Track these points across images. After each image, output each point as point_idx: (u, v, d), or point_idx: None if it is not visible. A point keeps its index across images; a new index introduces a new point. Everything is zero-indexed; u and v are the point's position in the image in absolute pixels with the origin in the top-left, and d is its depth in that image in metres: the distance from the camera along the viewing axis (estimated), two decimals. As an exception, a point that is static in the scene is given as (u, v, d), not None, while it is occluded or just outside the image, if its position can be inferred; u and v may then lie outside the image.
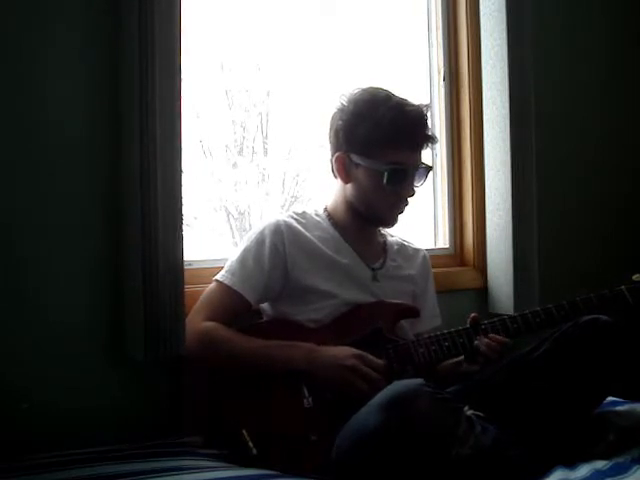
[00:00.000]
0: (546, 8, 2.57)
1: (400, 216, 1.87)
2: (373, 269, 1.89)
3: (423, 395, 1.42)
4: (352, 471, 1.41)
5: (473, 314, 1.79)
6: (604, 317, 1.69)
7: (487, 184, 2.40)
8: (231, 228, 2.34)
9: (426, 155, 1.86)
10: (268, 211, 2.36)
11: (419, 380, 1.47)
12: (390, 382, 1.51)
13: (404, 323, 1.86)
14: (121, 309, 1.74)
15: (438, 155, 2.50)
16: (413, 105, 1.82)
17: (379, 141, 1.77)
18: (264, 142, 2.39)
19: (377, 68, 2.40)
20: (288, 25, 2.32)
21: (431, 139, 1.84)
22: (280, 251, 1.80)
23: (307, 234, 1.84)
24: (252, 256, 1.80)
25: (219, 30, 2.21)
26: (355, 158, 1.81)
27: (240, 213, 2.35)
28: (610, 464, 1.52)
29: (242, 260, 1.80)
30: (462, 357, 1.78)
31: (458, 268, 2.48)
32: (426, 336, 1.80)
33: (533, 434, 1.57)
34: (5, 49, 1.67)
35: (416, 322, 1.90)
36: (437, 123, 2.49)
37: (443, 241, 2.51)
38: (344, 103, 1.84)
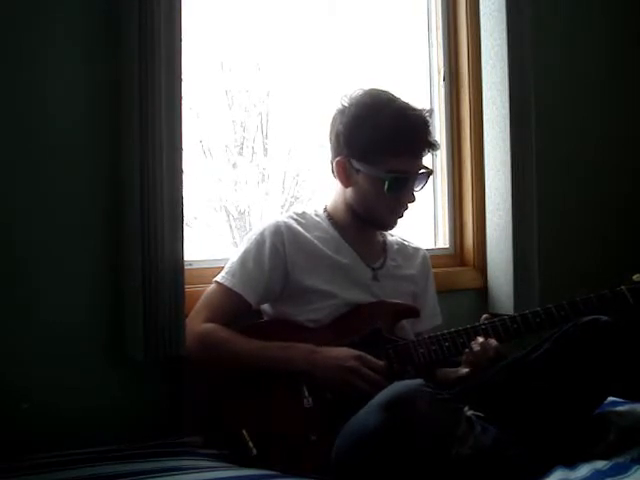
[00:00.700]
0: (546, 8, 2.57)
1: (400, 220, 1.87)
2: (373, 269, 1.89)
3: (423, 395, 1.42)
4: (352, 471, 1.41)
5: (485, 315, 1.80)
6: (604, 318, 1.69)
7: (487, 184, 2.40)
8: (231, 228, 2.34)
9: (426, 156, 1.85)
10: (268, 211, 2.36)
11: (419, 380, 1.47)
12: (390, 382, 1.51)
13: (405, 323, 1.86)
14: (121, 309, 1.74)
15: (438, 155, 2.49)
16: (415, 110, 1.80)
17: (379, 148, 1.76)
18: (264, 142, 2.38)
19: (377, 68, 2.40)
20: (288, 25, 2.32)
21: (432, 145, 1.82)
22: (280, 252, 1.80)
23: (307, 235, 1.84)
24: (252, 257, 1.80)
25: (219, 30, 2.21)
26: (355, 163, 1.80)
27: (240, 213, 2.35)
28: (610, 464, 1.51)
29: (242, 261, 1.80)
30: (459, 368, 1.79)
31: (458, 268, 2.48)
32: (426, 336, 1.80)
33: (533, 434, 1.57)
34: (5, 49, 1.67)
35: (416, 321, 1.90)
36: (437, 123, 2.49)
37: (443, 241, 2.51)
38: (345, 105, 1.83)
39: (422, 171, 1.82)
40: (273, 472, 1.50)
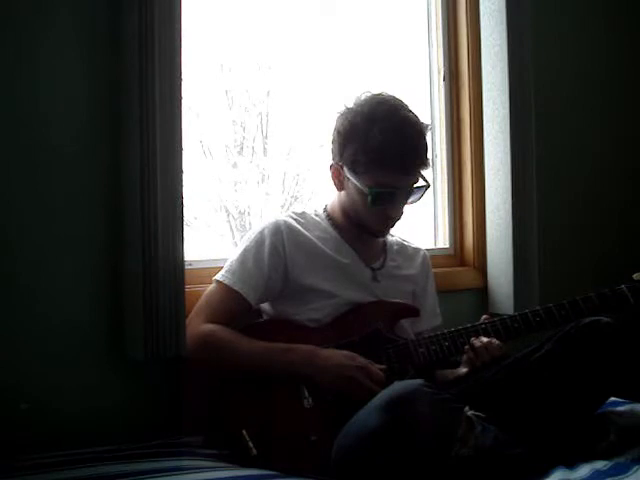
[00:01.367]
0: (546, 8, 2.57)
1: (391, 229, 1.87)
2: (373, 269, 1.89)
3: (423, 396, 1.42)
4: (352, 471, 1.41)
5: (485, 315, 1.80)
6: (605, 319, 1.69)
7: (487, 184, 2.40)
8: (231, 228, 2.34)
9: (424, 171, 1.81)
10: (268, 211, 2.36)
11: (419, 380, 1.47)
12: (390, 382, 1.51)
13: (404, 323, 1.86)
14: (121, 309, 1.74)
15: (438, 155, 2.50)
16: (411, 125, 1.76)
17: (365, 161, 1.74)
18: (264, 142, 2.38)
19: (377, 68, 2.40)
20: (288, 25, 2.32)
21: (422, 165, 1.78)
22: (280, 251, 1.80)
23: (307, 234, 1.84)
24: (252, 256, 1.79)
25: (219, 30, 2.21)
26: (345, 171, 1.80)
27: (240, 213, 2.35)
28: (610, 464, 1.52)
29: (242, 260, 1.80)
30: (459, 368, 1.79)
31: (458, 268, 2.48)
32: (426, 336, 1.80)
33: (533, 434, 1.57)
34: (5, 50, 1.66)
35: (416, 321, 1.90)
36: (437, 123, 2.49)
37: (443, 241, 2.51)
38: (347, 110, 1.81)
39: (417, 185, 1.79)
40: (273, 472, 1.50)
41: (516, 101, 2.33)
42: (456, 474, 1.39)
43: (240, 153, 2.35)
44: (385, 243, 1.96)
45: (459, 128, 2.50)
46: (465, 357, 1.76)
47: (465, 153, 2.49)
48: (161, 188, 1.69)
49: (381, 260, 1.92)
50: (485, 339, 1.74)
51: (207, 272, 1.90)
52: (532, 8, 2.40)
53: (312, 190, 2.44)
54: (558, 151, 2.61)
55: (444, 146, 2.49)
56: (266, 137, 2.39)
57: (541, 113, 2.44)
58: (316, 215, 1.91)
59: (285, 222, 1.83)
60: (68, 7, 1.73)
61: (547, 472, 1.48)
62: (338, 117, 1.84)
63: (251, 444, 1.60)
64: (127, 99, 1.71)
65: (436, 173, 2.49)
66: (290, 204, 2.43)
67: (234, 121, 2.34)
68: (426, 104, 2.49)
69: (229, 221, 2.34)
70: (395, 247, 1.98)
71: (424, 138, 1.79)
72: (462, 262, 2.51)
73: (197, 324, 1.75)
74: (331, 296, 1.80)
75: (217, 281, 1.80)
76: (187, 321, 1.74)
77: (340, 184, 1.84)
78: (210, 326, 1.74)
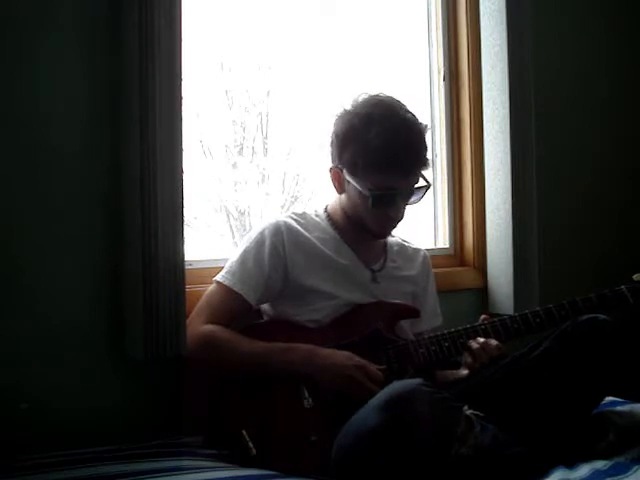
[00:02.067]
0: (546, 8, 2.57)
1: (392, 230, 1.86)
2: (373, 271, 1.89)
3: (422, 395, 1.42)
4: (352, 471, 1.41)
5: (484, 315, 1.80)
6: (602, 316, 1.69)
7: (487, 184, 2.40)
8: (231, 228, 2.34)
9: (424, 171, 1.81)
10: (268, 211, 2.36)
11: (418, 380, 1.47)
12: (390, 383, 1.51)
13: (404, 323, 1.86)
14: (121, 309, 1.74)
15: (438, 155, 2.50)
16: (409, 127, 1.75)
17: (365, 164, 1.74)
18: (264, 142, 2.38)
19: (377, 68, 2.40)
20: (288, 25, 2.32)
21: (422, 166, 1.78)
22: (280, 252, 1.80)
23: (307, 235, 1.84)
24: (252, 257, 1.79)
25: (219, 30, 2.21)
26: (345, 174, 1.80)
27: (240, 213, 2.35)
28: (610, 464, 1.52)
29: (242, 261, 1.80)
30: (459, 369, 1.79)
31: (458, 268, 2.48)
32: (426, 336, 1.80)
33: (533, 434, 1.57)
34: (5, 50, 1.67)
35: (417, 322, 1.90)
36: (437, 123, 2.49)
37: (443, 241, 2.51)
38: (345, 112, 1.81)
39: (417, 186, 1.79)
40: (273, 472, 1.50)
41: (516, 101, 2.33)
42: (455, 473, 1.39)
43: (240, 153, 2.35)
44: (385, 244, 1.96)
45: (459, 128, 2.50)
46: (464, 358, 1.76)
47: (465, 153, 2.49)
48: (161, 188, 1.69)
49: (381, 261, 1.92)
50: (482, 339, 1.74)
51: (207, 272, 1.90)
52: (532, 8, 2.40)
53: (312, 190, 2.44)
54: (558, 151, 2.61)
55: (444, 146, 2.49)
56: (266, 137, 2.39)
57: (541, 113, 2.44)
58: (316, 216, 1.91)
59: (285, 223, 1.83)
60: (68, 7, 1.73)
61: (547, 472, 1.48)
62: (336, 120, 1.83)
63: (251, 444, 1.60)
64: (127, 99, 1.71)
65: (436, 173, 2.49)
66: (290, 204, 2.43)
67: (234, 121, 2.34)
68: (426, 104, 2.50)
69: (229, 221, 2.34)
70: (395, 248, 1.98)
71: (423, 138, 1.78)
72: (462, 262, 2.51)
73: (197, 324, 1.75)
74: (331, 297, 1.80)
75: (217, 282, 1.80)
76: (187, 321, 1.74)
77: (340, 187, 1.84)
78: (210, 326, 1.74)
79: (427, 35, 2.52)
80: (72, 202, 1.74)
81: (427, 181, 1.81)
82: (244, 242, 1.84)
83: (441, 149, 2.50)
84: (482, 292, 2.43)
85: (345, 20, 2.41)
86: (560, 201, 2.61)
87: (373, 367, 1.67)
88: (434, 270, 2.06)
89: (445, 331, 1.78)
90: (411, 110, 1.81)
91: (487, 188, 2.40)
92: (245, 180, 2.33)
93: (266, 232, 1.81)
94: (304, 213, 1.90)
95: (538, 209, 2.40)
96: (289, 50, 2.33)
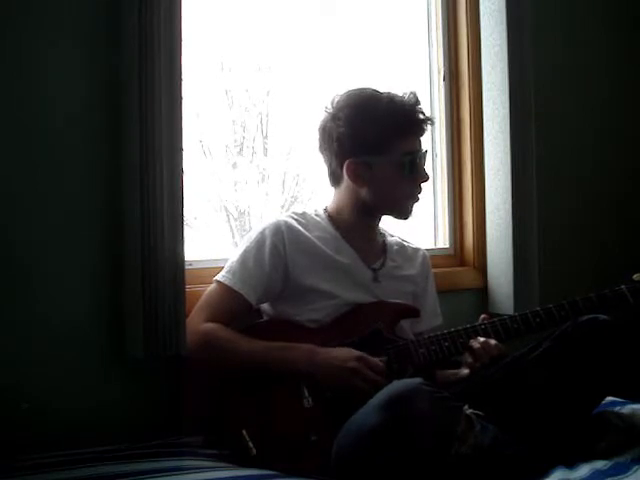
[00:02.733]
0: (546, 8, 2.57)
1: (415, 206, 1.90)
2: (373, 269, 1.89)
3: (422, 394, 1.42)
4: (352, 471, 1.41)
5: (483, 315, 1.80)
6: (603, 316, 1.69)
7: (487, 184, 2.40)
8: (231, 228, 2.34)
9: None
10: (268, 211, 2.36)
11: (418, 379, 1.47)
12: (390, 382, 1.51)
13: (404, 323, 1.86)
14: (121, 309, 1.74)
15: (438, 155, 2.50)
16: (403, 95, 1.84)
17: (388, 136, 1.79)
18: (264, 142, 2.38)
19: (377, 68, 2.40)
20: (288, 25, 2.32)
21: (430, 120, 1.88)
22: (280, 251, 1.80)
23: (307, 234, 1.84)
24: (252, 256, 1.79)
25: (219, 30, 2.21)
26: (369, 159, 1.81)
27: (240, 213, 2.35)
28: (610, 464, 1.52)
29: (242, 260, 1.80)
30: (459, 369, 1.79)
31: (458, 268, 2.48)
32: (426, 336, 1.80)
33: (533, 433, 1.57)
34: (5, 49, 1.67)
35: (417, 322, 1.91)
36: (437, 123, 2.49)
37: (443, 241, 2.51)
38: (335, 111, 1.83)
39: (424, 149, 1.87)
40: (273, 472, 1.50)
41: (516, 101, 2.33)
42: (455, 473, 1.39)
43: (240, 153, 2.35)
44: (385, 243, 1.96)
45: (459, 128, 2.50)
46: (465, 358, 1.76)
47: (465, 153, 2.49)
48: (161, 188, 1.69)
49: (381, 260, 1.92)
50: (482, 339, 1.74)
51: (207, 272, 1.90)
52: (532, 8, 2.40)
53: (312, 190, 2.44)
54: (558, 151, 2.61)
55: (444, 146, 2.49)
56: (266, 137, 2.39)
57: (541, 113, 2.44)
58: (316, 215, 1.91)
59: (285, 222, 1.83)
60: (68, 7, 1.73)
61: (547, 472, 1.48)
62: (329, 121, 1.84)
63: (251, 444, 1.61)
64: (127, 99, 1.71)
65: (436, 173, 2.49)
66: (290, 204, 2.43)
67: (234, 121, 2.34)
68: (426, 104, 2.49)
69: (229, 221, 2.34)
70: (395, 247, 1.98)
71: (418, 99, 1.86)
72: (462, 262, 2.51)
73: (197, 323, 1.75)
74: (331, 296, 1.80)
75: (217, 281, 1.80)
76: (187, 320, 1.74)
77: (360, 179, 1.84)
78: (210, 325, 1.74)
79: (427, 35, 2.52)
80: (72, 202, 1.74)
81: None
82: (244, 242, 1.84)
83: (441, 149, 2.50)
84: (482, 292, 2.43)
85: (345, 20, 2.41)
86: (560, 201, 2.61)
87: (372, 358, 1.67)
88: (434, 270, 2.07)
89: (445, 331, 1.78)
90: None
91: (487, 188, 2.40)
92: (245, 180, 2.33)
93: (266, 232, 1.81)
94: (304, 213, 1.90)
95: (538, 209, 2.40)
96: (289, 50, 2.33)
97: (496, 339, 1.76)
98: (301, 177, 2.45)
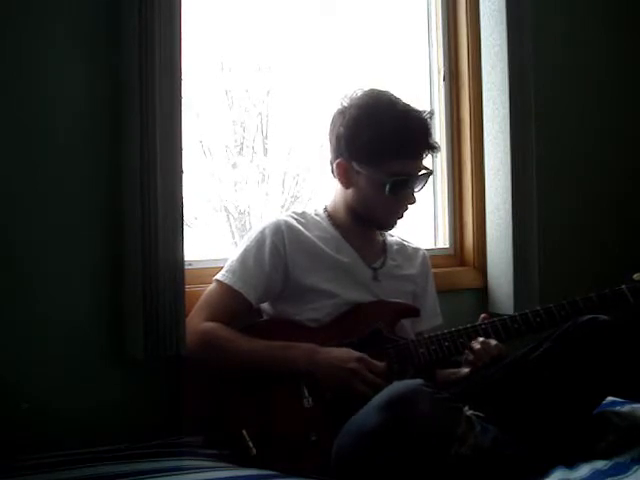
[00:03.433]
0: (546, 8, 2.57)
1: (399, 221, 1.88)
2: (374, 269, 1.89)
3: (422, 395, 1.42)
4: (352, 471, 1.41)
5: (483, 315, 1.80)
6: (603, 316, 1.69)
7: (487, 184, 2.40)
8: (231, 228, 2.34)
9: (426, 158, 1.85)
10: (268, 211, 2.36)
11: (418, 380, 1.47)
12: (390, 382, 1.51)
13: (405, 323, 1.86)
14: (121, 309, 1.74)
15: (438, 155, 2.49)
16: (416, 112, 1.80)
17: (380, 151, 1.76)
18: (264, 142, 2.38)
19: (377, 68, 2.40)
20: (288, 25, 2.32)
21: (433, 148, 1.82)
22: (280, 251, 1.80)
23: (307, 234, 1.84)
24: (253, 256, 1.80)
25: (219, 30, 2.21)
26: (356, 166, 1.80)
27: (240, 213, 2.35)
28: (610, 464, 1.51)
29: (243, 260, 1.80)
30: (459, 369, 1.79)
31: (458, 268, 2.48)
32: (426, 336, 1.80)
33: (533, 434, 1.57)
34: (5, 49, 1.67)
35: (417, 321, 1.91)
36: (437, 123, 2.49)
37: (443, 241, 2.51)
38: (345, 106, 1.83)
39: (422, 172, 1.82)
40: (273, 472, 1.50)
41: (516, 101, 2.33)
42: (455, 473, 1.39)
43: (240, 153, 2.35)
44: (385, 243, 1.97)
45: (459, 128, 2.50)
46: (465, 358, 1.76)
47: (465, 153, 2.49)
48: (161, 188, 1.70)
49: (381, 260, 1.92)
50: (482, 339, 1.74)
51: (207, 272, 1.90)
52: (532, 8, 2.40)
53: (312, 190, 2.44)
54: (558, 151, 2.61)
55: (444, 146, 2.49)
56: (266, 137, 2.39)
57: (541, 113, 2.44)
58: (316, 215, 1.91)
59: (286, 222, 1.83)
60: (68, 8, 1.73)
61: (547, 472, 1.48)
62: (337, 115, 1.84)
63: (251, 444, 1.61)
64: (127, 99, 1.71)
65: (436, 173, 2.49)
66: (290, 204, 2.43)
67: (234, 121, 2.34)
68: (426, 104, 2.49)
69: (229, 221, 2.34)
70: (395, 247, 1.98)
71: (430, 124, 1.83)
72: (462, 262, 2.51)
73: (197, 322, 1.75)
74: (331, 296, 1.80)
75: (218, 280, 1.80)
76: (187, 320, 1.74)
77: (348, 181, 1.83)
78: (210, 324, 1.74)
79: (427, 35, 2.52)
80: (72, 202, 1.74)
81: (427, 168, 1.84)
82: (244, 241, 1.85)
83: (441, 149, 2.49)
84: (482, 292, 2.43)
85: (345, 20, 2.41)
86: (560, 201, 2.61)
87: (372, 360, 1.67)
88: (434, 270, 2.07)
89: (445, 331, 1.78)
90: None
91: (487, 188, 2.40)
92: (245, 180, 2.33)
93: (267, 231, 1.81)
94: (304, 212, 1.90)
95: (538, 209, 2.40)
96: (289, 50, 2.33)
97: (496, 339, 1.76)
98: (301, 177, 2.45)
